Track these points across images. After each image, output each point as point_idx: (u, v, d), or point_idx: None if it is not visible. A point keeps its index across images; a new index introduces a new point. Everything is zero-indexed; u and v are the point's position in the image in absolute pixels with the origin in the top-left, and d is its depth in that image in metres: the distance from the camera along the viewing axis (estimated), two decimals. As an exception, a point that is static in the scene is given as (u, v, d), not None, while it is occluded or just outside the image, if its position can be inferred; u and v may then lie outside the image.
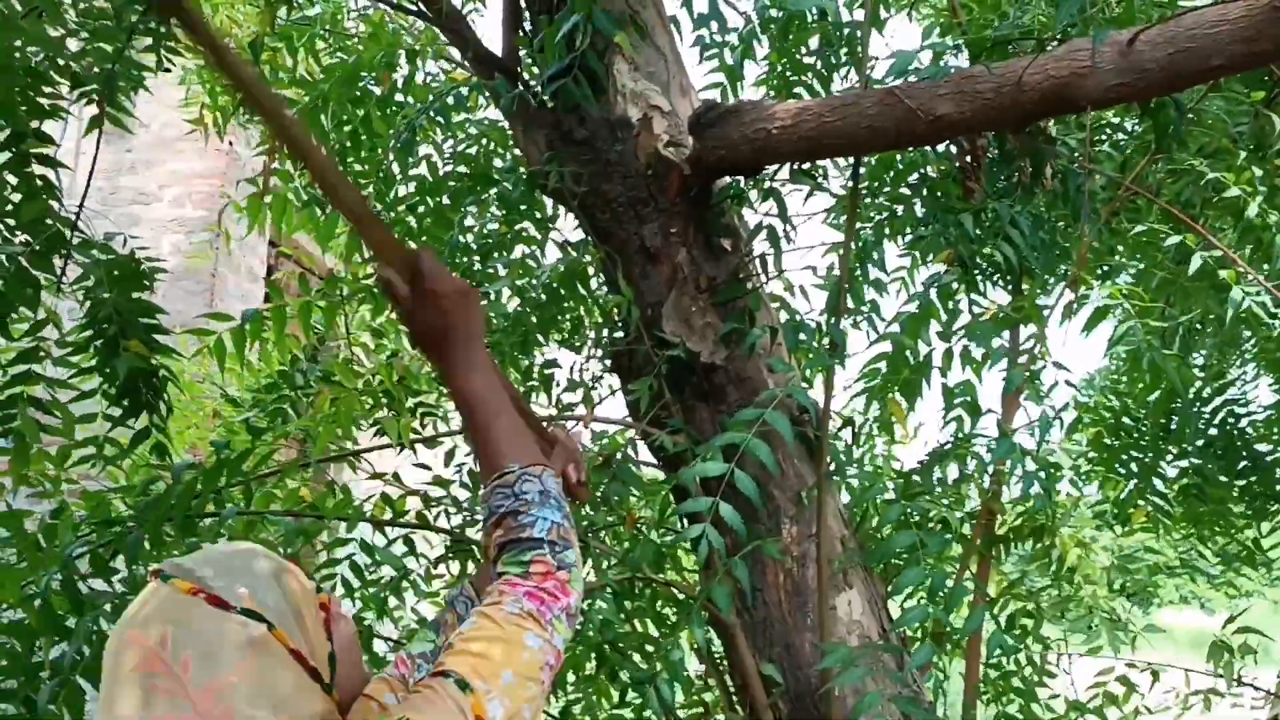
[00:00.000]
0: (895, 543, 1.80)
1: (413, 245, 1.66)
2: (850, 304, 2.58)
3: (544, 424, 1.65)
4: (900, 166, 2.76)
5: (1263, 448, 3.12)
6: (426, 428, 2.81)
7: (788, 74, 2.96)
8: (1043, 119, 1.92)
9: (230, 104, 2.99)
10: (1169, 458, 3.03)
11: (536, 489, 1.36)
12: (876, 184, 2.76)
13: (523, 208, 2.72)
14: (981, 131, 2.03)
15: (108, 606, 1.82)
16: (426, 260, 1.43)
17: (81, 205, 2.02)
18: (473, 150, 3.02)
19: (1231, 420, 3.01)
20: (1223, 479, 3.13)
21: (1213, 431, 3.08)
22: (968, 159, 2.13)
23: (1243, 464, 3.02)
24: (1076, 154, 2.27)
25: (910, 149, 2.51)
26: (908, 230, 2.76)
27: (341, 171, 1.43)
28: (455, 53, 3.01)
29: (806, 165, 2.32)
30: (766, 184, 2.34)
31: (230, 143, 6.26)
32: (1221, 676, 1.95)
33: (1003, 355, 2.12)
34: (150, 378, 2.11)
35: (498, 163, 3.07)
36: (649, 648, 2.22)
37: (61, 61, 1.89)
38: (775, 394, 2.10)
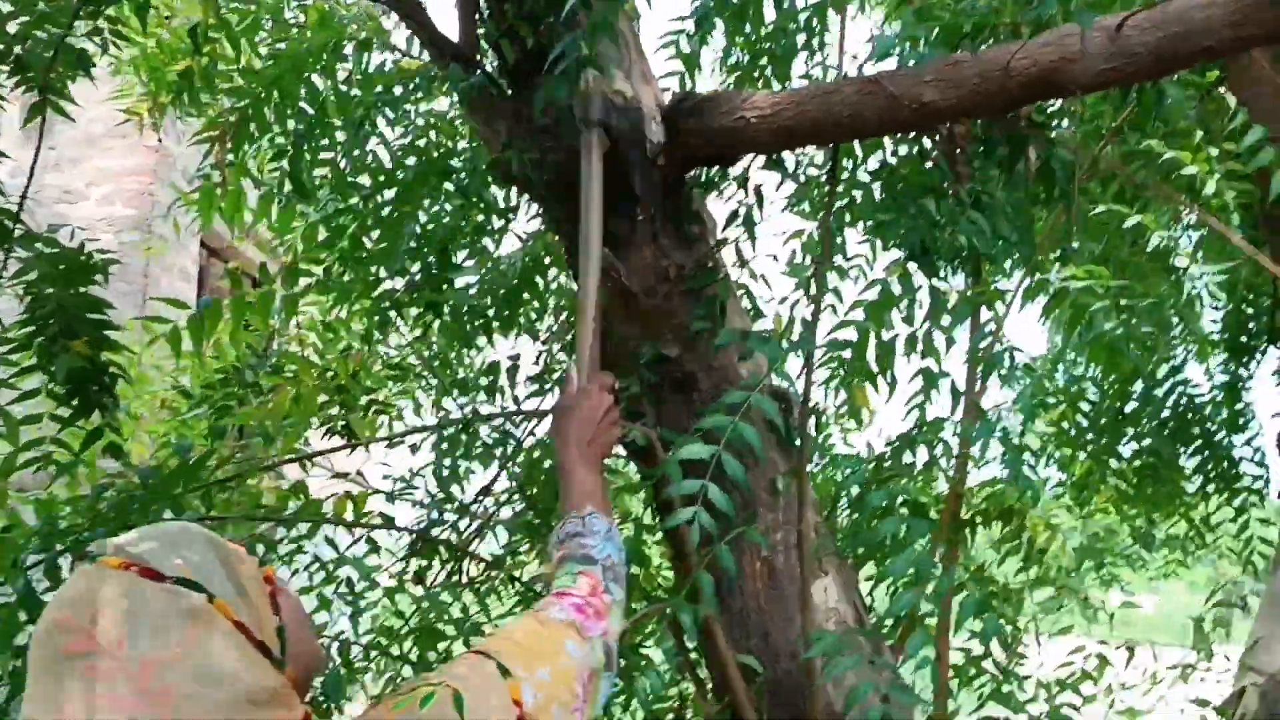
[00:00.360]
0: (883, 529, 1.79)
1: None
2: (814, 291, 2.56)
3: None
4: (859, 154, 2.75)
5: (1213, 427, 3.18)
6: (381, 428, 2.74)
7: (744, 60, 2.93)
8: (1029, 104, 1.91)
9: (170, 99, 2.87)
10: (1125, 439, 3.06)
11: (605, 526, 1.53)
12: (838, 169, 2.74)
13: (474, 199, 2.66)
14: (966, 118, 2.01)
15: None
16: (606, 382, 1.84)
17: (24, 196, 1.92)
18: (421, 142, 2.94)
19: (1185, 401, 3.06)
20: (1172, 458, 3.18)
21: (1164, 413, 3.13)
22: (952, 147, 2.11)
23: (1196, 444, 3.07)
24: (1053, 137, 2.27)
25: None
26: (866, 219, 2.75)
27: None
28: (402, 42, 2.94)
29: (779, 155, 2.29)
30: (739, 172, 2.32)
31: (160, 139, 6.07)
32: (1199, 650, 1.98)
33: (982, 338, 2.11)
34: (100, 375, 2.01)
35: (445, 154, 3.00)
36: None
37: (2, 45, 1.79)
38: (759, 380, 2.08)
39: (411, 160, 2.84)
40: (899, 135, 2.58)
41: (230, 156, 2.38)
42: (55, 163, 6.16)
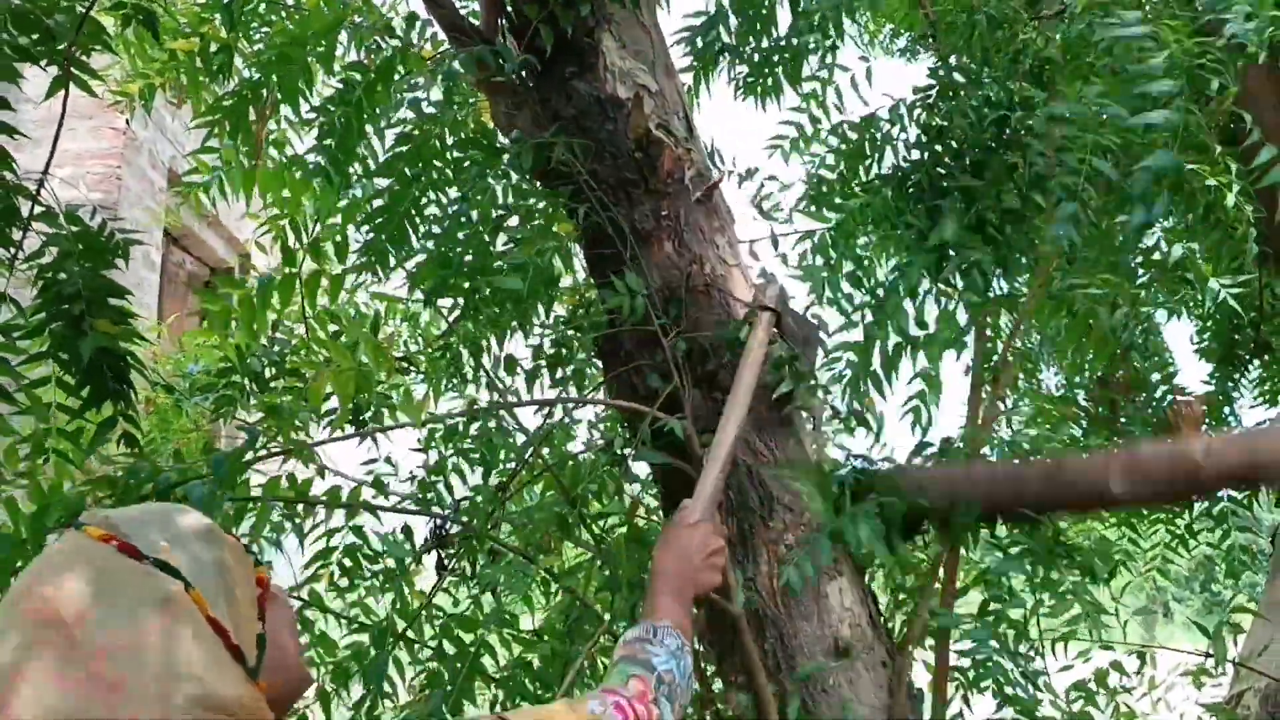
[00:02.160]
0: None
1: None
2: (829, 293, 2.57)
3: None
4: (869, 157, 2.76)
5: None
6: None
7: (755, 58, 2.94)
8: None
9: (172, 78, 2.79)
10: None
11: (676, 644, 1.44)
12: (850, 173, 2.75)
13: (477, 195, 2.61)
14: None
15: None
16: (721, 529, 1.78)
17: (45, 173, 1.86)
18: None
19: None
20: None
21: (1155, 421, 3.17)
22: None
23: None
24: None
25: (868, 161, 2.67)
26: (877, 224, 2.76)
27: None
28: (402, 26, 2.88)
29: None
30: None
31: (128, 121, 5.92)
32: (1212, 656, 2.02)
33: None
34: (116, 361, 1.95)
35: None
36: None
37: (31, 17, 1.73)
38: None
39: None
40: (909, 141, 2.62)
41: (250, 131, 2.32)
42: (18, 143, 5.94)
